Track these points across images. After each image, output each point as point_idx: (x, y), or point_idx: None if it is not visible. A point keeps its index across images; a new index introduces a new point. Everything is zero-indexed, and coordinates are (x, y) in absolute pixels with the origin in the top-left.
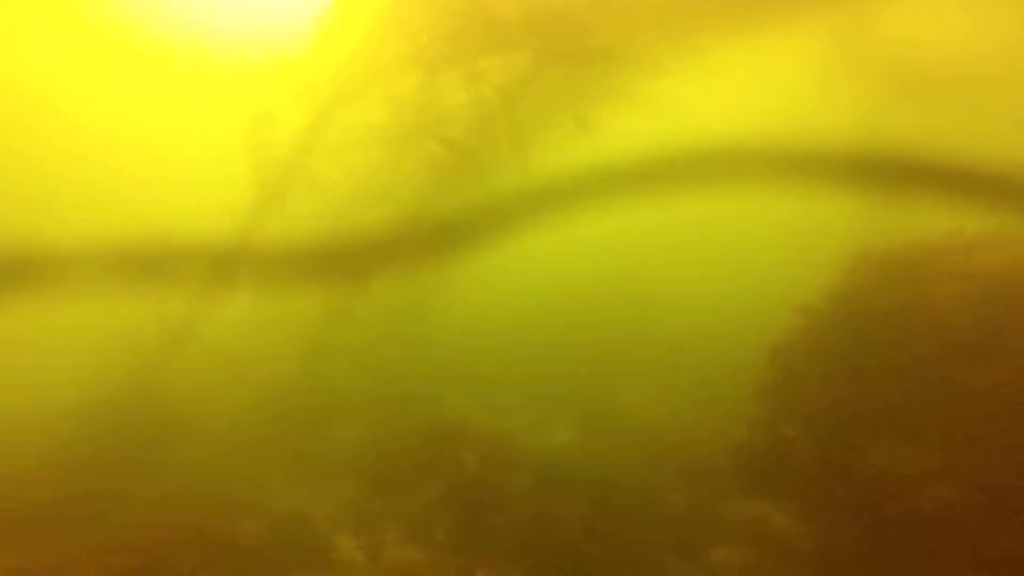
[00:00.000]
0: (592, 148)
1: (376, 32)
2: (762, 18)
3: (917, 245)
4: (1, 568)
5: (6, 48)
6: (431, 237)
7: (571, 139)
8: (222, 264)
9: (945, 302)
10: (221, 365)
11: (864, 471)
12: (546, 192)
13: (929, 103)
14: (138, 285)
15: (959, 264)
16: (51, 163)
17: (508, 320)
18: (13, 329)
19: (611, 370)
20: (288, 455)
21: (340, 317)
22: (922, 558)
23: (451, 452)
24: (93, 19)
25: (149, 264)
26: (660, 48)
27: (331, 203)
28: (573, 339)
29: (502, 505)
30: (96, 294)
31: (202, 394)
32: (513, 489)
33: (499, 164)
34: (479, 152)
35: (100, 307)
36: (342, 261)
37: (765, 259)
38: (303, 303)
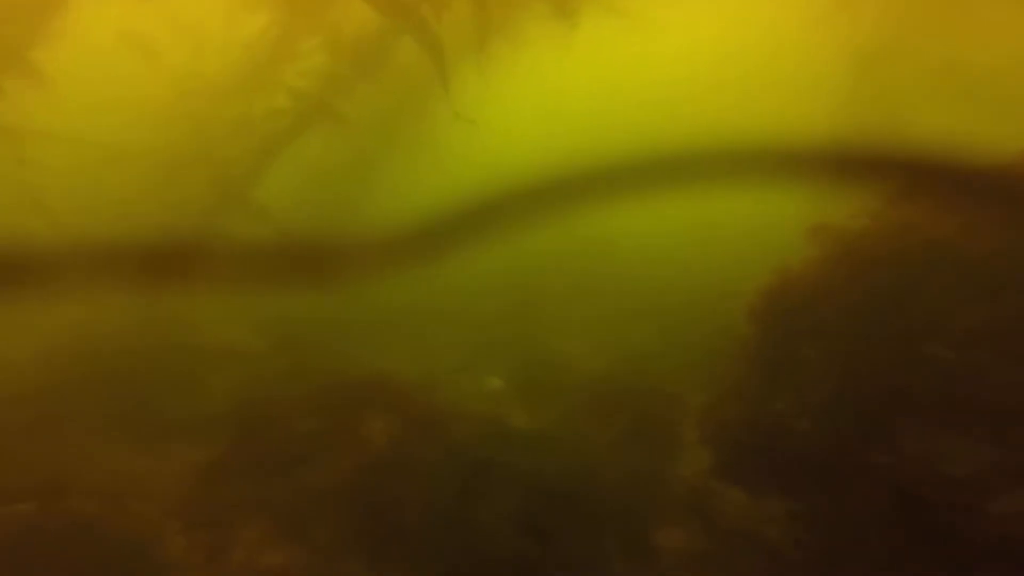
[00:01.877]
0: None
1: None
2: None
3: None
4: None
5: None
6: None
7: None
8: None
9: None
10: None
11: (892, 467)
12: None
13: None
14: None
15: None
16: None
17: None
18: None
19: (550, 318)
20: (131, 417)
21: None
22: None
23: (352, 417)
24: None
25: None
26: None
27: None
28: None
29: (412, 491)
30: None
31: None
32: (428, 468)
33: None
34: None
35: None
36: None
37: (742, 201)
38: None
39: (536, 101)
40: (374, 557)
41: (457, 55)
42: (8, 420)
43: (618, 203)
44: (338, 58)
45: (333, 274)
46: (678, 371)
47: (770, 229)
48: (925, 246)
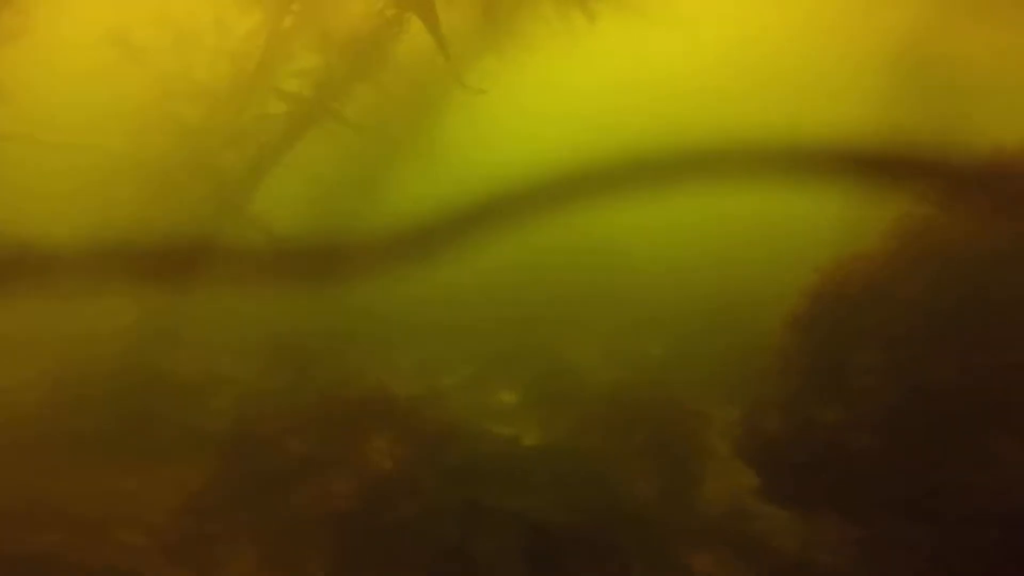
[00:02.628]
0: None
1: None
2: None
3: None
4: None
5: None
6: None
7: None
8: None
9: None
10: None
11: (985, 488)
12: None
13: None
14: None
15: None
16: None
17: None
18: None
19: (561, 327)
20: (121, 437)
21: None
22: None
23: (351, 436)
24: None
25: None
26: None
27: None
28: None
29: (414, 518)
30: None
31: None
32: (433, 493)
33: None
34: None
35: None
36: None
37: (766, 203)
38: None
39: (547, 99)
40: None
41: (468, 49)
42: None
43: (632, 206)
44: (334, 58)
45: (333, 282)
46: (701, 382)
47: (799, 231)
48: (988, 245)
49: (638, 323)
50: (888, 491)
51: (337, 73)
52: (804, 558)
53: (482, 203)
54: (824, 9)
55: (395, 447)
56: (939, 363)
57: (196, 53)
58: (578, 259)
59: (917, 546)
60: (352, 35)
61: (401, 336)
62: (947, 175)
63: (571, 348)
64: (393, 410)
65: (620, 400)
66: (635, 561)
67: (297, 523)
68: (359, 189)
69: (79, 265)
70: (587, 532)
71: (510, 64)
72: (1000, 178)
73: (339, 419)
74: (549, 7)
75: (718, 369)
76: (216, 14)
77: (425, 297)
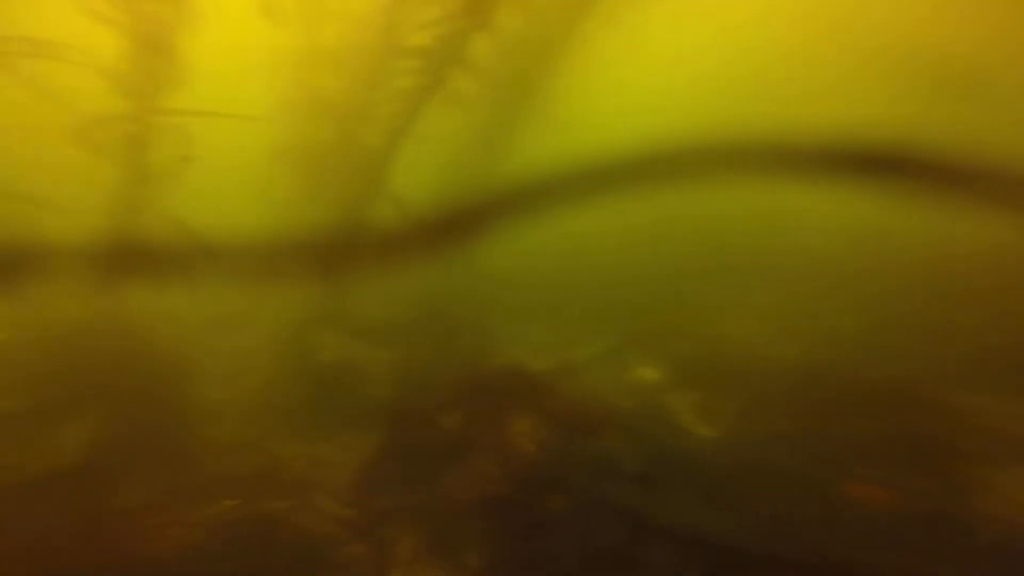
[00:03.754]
0: None
1: None
2: None
3: None
4: None
5: None
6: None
7: None
8: None
9: None
10: None
11: None
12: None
13: None
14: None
15: None
16: None
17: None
18: None
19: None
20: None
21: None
22: None
23: (495, 415)
24: None
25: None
26: None
27: None
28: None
29: (567, 512)
30: None
31: None
32: (586, 486)
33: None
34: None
35: None
36: None
37: None
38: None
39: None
40: None
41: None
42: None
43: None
44: (460, 25)
45: (465, 251)
46: (907, 358)
47: None
48: None
49: (806, 294)
50: None
51: (462, 40)
52: None
53: (620, 163)
54: None
55: (538, 430)
56: None
57: (325, 19)
58: (737, 226)
59: None
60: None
61: (532, 307)
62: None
63: (729, 320)
64: (532, 388)
65: (818, 381)
66: None
67: (451, 504)
68: (485, 152)
69: (248, 251)
70: (784, 548)
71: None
72: None
73: (481, 396)
74: None
75: (921, 342)
76: None
77: (558, 267)
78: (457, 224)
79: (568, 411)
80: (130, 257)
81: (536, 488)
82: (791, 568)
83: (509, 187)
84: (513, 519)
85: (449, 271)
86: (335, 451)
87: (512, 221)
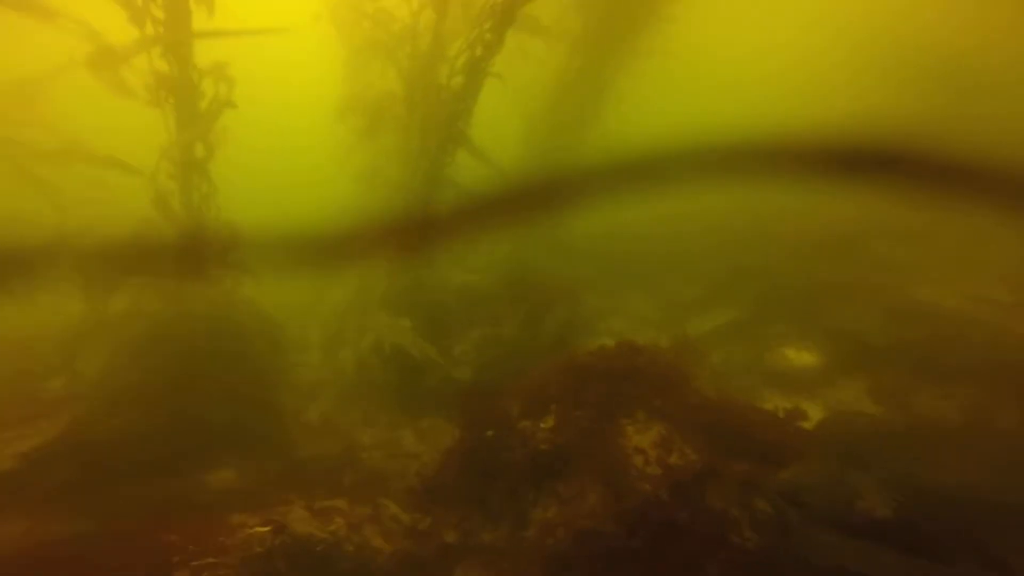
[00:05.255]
0: None
1: None
2: None
3: None
4: None
5: None
6: None
7: None
8: None
9: None
10: None
11: None
12: None
13: None
14: None
15: None
16: None
17: None
18: None
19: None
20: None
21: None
22: None
23: (592, 428)
24: None
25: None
26: None
27: None
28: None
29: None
30: None
31: None
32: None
33: None
34: None
35: None
36: None
37: None
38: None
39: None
40: None
41: None
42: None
43: None
44: None
45: (556, 220)
46: None
47: None
48: None
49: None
50: None
51: None
52: None
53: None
54: None
55: (667, 444)
56: None
57: None
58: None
59: None
60: None
61: (642, 278)
62: None
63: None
64: (642, 369)
65: None
66: None
67: (536, 546)
68: (573, 120)
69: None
70: None
71: None
72: None
73: (582, 389)
74: None
75: None
76: None
77: (670, 233)
78: (545, 190)
79: (689, 400)
80: (203, 247)
81: (662, 534)
82: None
83: (600, 161)
84: (650, 558)
85: (539, 238)
86: (413, 441)
87: (599, 187)
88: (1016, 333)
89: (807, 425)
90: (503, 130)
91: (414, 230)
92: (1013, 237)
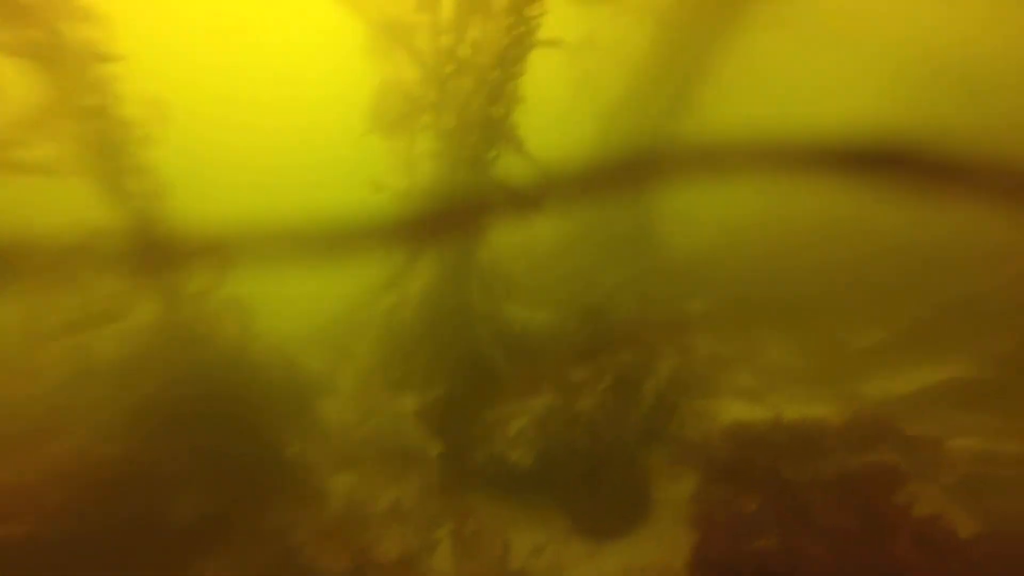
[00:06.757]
0: None
1: None
2: None
3: None
4: None
5: None
6: None
7: None
8: None
9: None
10: None
11: None
12: None
13: None
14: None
15: None
16: None
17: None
18: None
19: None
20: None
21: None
22: None
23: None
24: None
25: None
26: None
27: None
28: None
29: None
30: None
31: None
32: None
33: None
34: None
35: None
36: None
37: None
38: None
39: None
40: None
41: None
42: None
43: None
44: None
45: (651, 226)
46: None
47: None
48: None
49: None
50: None
51: None
52: None
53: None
54: None
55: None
56: None
57: None
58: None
59: None
60: None
61: (764, 301)
62: None
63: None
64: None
65: None
66: None
67: None
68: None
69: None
70: None
71: None
72: None
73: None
74: None
75: None
76: None
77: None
78: (629, 199)
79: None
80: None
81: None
82: None
83: (694, 156)
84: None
85: (621, 260)
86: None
87: (697, 199)
88: None
89: None
90: (568, 126)
91: (453, 246)
92: None
